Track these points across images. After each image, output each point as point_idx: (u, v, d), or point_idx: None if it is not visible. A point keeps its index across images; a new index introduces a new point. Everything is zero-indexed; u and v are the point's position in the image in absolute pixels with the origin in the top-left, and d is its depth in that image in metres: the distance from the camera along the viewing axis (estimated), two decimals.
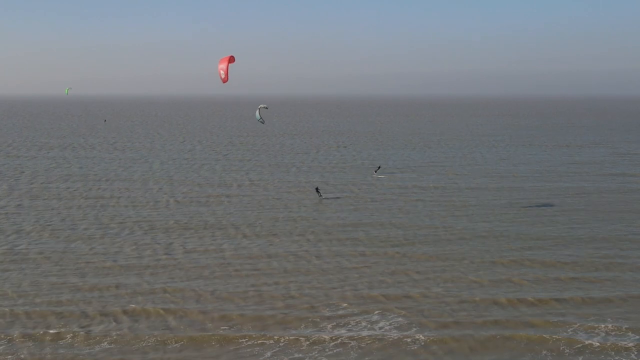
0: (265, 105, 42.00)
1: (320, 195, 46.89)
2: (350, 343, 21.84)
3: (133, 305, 25.33)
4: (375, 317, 24.08)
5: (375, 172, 62.07)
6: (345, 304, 25.46)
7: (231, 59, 35.47)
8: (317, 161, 72.65)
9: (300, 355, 21.04)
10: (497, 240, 35.51)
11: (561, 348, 21.61)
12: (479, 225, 39.06)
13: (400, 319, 23.93)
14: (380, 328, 23.05)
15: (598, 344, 21.90)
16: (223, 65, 35.39)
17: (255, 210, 43.59)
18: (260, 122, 41.88)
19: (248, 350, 21.50)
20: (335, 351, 21.27)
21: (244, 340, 22.17)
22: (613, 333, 22.76)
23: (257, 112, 41.80)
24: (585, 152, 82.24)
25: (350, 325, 23.30)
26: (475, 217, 41.38)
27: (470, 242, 35.10)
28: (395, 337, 22.24)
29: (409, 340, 22.07)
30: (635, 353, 21.26)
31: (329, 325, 23.32)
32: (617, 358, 20.95)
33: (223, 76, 35.38)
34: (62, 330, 23.03)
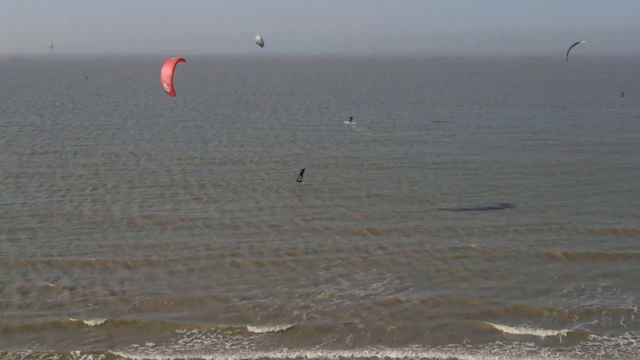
0: (260, 41, 45.63)
1: (300, 180, 40.91)
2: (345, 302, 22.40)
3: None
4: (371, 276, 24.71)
5: (349, 122, 68.51)
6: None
7: (179, 61, 28.31)
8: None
9: (298, 312, 21.64)
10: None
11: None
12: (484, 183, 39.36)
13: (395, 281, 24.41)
14: (374, 289, 23.63)
15: None
16: (167, 74, 27.87)
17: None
18: (259, 44, 46.42)
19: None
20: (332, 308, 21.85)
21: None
22: None
23: (259, 39, 46.11)
24: None
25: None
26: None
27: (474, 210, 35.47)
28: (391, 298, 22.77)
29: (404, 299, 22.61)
30: None
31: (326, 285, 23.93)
32: None
33: (168, 90, 28.40)
34: None
